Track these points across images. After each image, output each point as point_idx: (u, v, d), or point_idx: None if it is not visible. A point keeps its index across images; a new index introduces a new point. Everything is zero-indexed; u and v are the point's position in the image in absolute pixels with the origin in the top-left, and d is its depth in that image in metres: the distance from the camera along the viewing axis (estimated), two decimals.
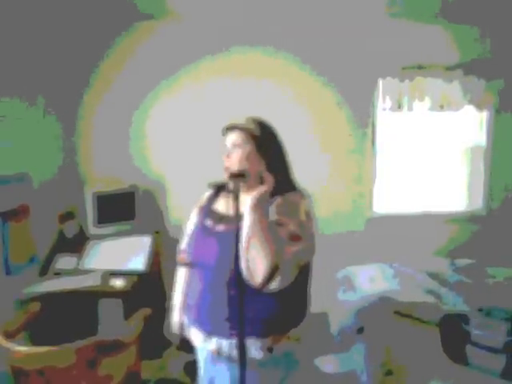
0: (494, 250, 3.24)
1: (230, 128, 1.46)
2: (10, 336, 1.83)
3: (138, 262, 2.67)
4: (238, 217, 1.23)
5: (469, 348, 1.93)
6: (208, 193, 1.57)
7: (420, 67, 3.22)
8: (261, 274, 1.22)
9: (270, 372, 1.38)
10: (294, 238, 1.29)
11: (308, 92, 3.27)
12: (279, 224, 1.30)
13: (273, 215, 1.31)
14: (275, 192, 1.33)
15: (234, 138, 1.43)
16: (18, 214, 2.38)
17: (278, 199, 1.36)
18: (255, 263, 1.23)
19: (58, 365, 1.69)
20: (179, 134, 3.21)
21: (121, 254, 2.75)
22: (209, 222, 1.46)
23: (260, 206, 1.27)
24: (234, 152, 1.41)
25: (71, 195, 3.01)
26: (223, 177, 1.39)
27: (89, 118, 3.14)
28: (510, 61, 3.27)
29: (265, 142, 1.44)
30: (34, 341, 2.25)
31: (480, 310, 2.07)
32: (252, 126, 1.44)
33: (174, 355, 2.68)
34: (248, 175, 1.33)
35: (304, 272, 1.44)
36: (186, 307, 1.51)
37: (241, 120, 1.47)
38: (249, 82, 3.19)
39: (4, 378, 1.81)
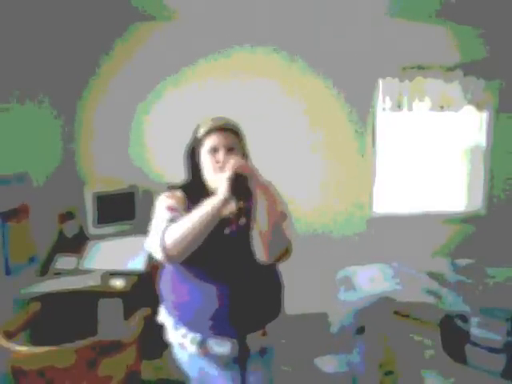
0: (494, 250, 3.23)
1: (224, 128, 1.42)
2: (10, 336, 1.83)
3: (138, 262, 2.67)
4: (243, 215, 1.30)
5: (469, 348, 1.93)
6: (175, 193, 1.46)
7: (420, 67, 3.22)
8: (278, 249, 1.35)
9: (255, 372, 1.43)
10: (284, 216, 1.42)
11: (308, 92, 3.27)
12: None
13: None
14: None
15: (228, 140, 1.41)
16: (17, 213, 2.38)
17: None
18: (275, 240, 1.33)
19: (58, 365, 1.69)
20: (179, 134, 3.19)
21: (121, 254, 2.75)
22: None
23: (266, 188, 1.33)
24: (229, 154, 1.38)
25: (71, 195, 3.01)
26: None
27: (89, 118, 3.14)
28: (509, 61, 3.27)
29: (244, 143, 1.49)
30: (34, 341, 2.25)
31: (480, 309, 2.07)
32: (237, 128, 1.46)
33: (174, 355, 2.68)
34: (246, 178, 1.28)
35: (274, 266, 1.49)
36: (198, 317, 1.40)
37: (217, 120, 1.45)
38: (248, 82, 3.18)
39: (4, 378, 1.81)
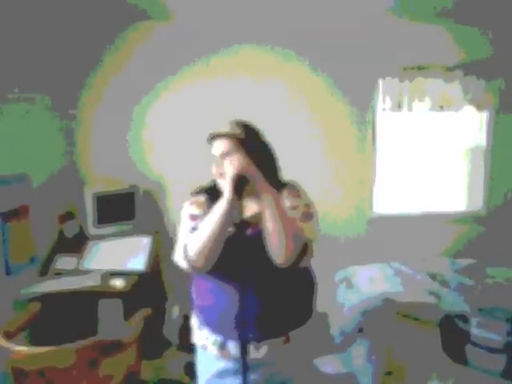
0: (493, 250, 3.23)
1: (216, 137, 1.41)
2: (10, 336, 1.83)
3: (138, 262, 2.67)
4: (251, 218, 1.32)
5: (469, 348, 1.93)
6: (198, 198, 1.48)
7: (420, 67, 3.22)
8: (292, 252, 1.29)
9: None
10: (309, 215, 1.39)
11: (308, 92, 3.26)
12: (293, 208, 1.38)
13: (284, 203, 1.37)
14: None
15: (222, 146, 1.39)
16: (18, 214, 2.38)
17: (284, 191, 1.42)
18: (286, 243, 1.27)
19: (58, 365, 1.69)
20: (179, 135, 3.21)
21: (121, 254, 2.75)
22: (230, 229, 1.36)
23: (270, 188, 1.31)
24: (224, 160, 1.37)
25: (71, 195, 3.01)
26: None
27: (89, 118, 3.14)
28: (510, 61, 3.27)
29: (251, 145, 1.40)
30: (34, 341, 2.25)
31: (480, 310, 2.07)
32: (237, 131, 1.40)
33: (174, 355, 2.68)
34: (250, 178, 1.28)
35: (305, 270, 1.48)
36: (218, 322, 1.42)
37: (226, 125, 1.43)
38: (248, 82, 3.19)
39: (4, 378, 1.81)
